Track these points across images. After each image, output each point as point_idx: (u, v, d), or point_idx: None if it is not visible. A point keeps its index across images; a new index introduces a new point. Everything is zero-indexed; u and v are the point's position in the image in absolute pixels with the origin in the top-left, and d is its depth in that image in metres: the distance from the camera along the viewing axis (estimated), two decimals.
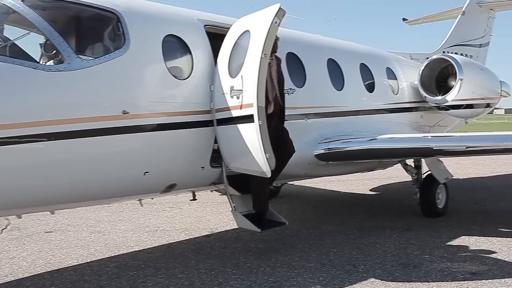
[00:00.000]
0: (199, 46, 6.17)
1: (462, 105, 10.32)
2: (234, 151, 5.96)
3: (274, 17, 5.32)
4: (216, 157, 6.30)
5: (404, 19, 17.20)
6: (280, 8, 5.37)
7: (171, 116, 5.74)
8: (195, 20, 6.36)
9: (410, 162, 9.23)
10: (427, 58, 10.86)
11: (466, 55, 13.11)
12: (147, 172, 5.58)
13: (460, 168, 15.03)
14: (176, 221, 8.87)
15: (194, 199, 7.23)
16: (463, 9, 14.15)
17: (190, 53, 6.03)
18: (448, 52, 12.31)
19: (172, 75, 5.74)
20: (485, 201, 10.30)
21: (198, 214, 9.49)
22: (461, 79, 9.95)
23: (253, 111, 5.33)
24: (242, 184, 6.36)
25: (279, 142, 5.99)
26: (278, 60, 6.35)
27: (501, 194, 11.15)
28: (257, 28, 5.56)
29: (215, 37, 6.43)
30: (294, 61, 7.48)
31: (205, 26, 6.38)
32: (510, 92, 11.71)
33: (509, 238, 7.12)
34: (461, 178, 13.45)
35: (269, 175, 5.52)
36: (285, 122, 6.49)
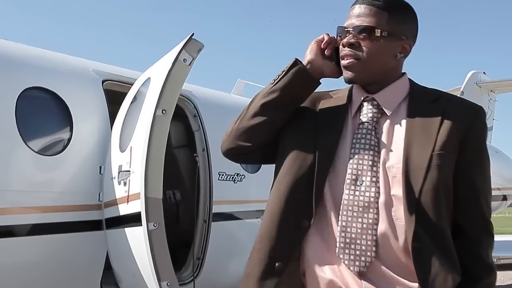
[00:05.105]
0: (87, 107, 4.05)
1: None
2: (125, 270, 3.71)
3: (180, 53, 3.24)
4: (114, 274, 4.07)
5: None
6: (191, 38, 3.29)
7: (29, 214, 3.57)
8: (89, 71, 4.32)
9: None
10: None
11: None
12: None
13: None
14: None
15: None
16: (461, 89, 12.52)
17: (69, 115, 3.91)
18: None
19: (30, 147, 3.61)
20: None
21: None
22: None
23: (140, 206, 3.13)
24: None
25: None
26: None
27: None
28: (159, 71, 3.50)
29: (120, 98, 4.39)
30: None
31: (104, 81, 4.33)
32: None
33: None
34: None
35: None
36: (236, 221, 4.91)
